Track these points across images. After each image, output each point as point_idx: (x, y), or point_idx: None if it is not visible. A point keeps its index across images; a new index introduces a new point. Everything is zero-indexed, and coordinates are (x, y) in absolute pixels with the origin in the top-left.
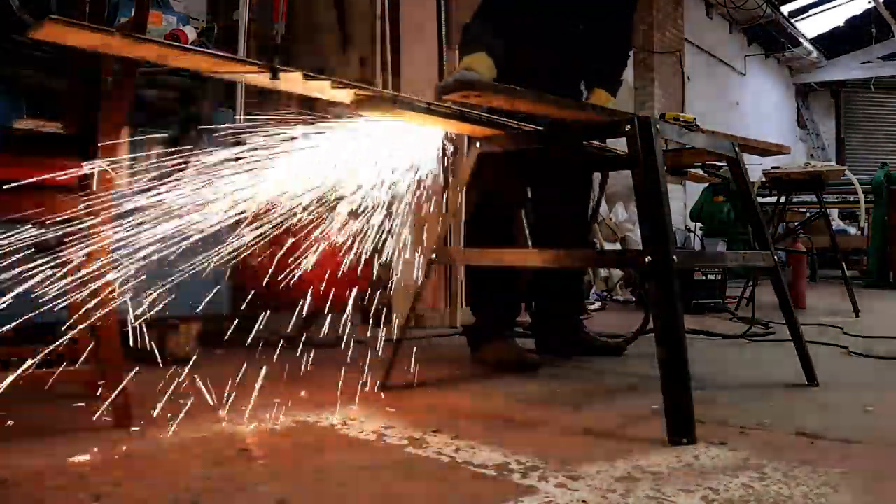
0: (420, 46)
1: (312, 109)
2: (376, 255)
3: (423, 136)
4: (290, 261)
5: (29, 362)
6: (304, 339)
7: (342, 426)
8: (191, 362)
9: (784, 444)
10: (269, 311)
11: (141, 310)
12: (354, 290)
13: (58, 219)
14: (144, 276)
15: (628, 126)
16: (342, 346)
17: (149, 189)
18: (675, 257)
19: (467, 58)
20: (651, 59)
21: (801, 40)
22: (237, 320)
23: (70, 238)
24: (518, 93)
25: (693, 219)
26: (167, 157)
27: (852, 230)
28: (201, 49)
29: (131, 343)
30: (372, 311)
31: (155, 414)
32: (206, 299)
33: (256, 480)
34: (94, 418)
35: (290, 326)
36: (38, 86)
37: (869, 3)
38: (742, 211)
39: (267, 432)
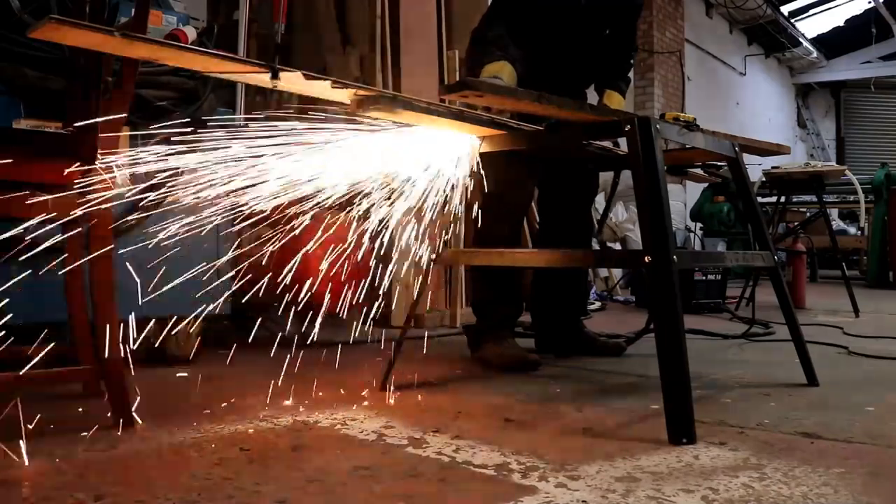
0: (420, 46)
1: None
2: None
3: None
4: (290, 261)
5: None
6: (303, 339)
7: (342, 426)
8: (191, 362)
9: (784, 444)
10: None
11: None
12: (355, 291)
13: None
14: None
15: (628, 126)
16: (342, 347)
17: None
18: (675, 257)
19: (490, 65)
20: (651, 59)
21: (801, 40)
22: (238, 320)
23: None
24: (518, 93)
25: (693, 219)
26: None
27: (852, 230)
28: (201, 49)
29: (132, 342)
30: (372, 312)
31: (155, 414)
32: (208, 299)
33: (256, 480)
34: (95, 418)
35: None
36: (38, 86)
37: (869, 3)
38: (742, 211)
39: (267, 432)
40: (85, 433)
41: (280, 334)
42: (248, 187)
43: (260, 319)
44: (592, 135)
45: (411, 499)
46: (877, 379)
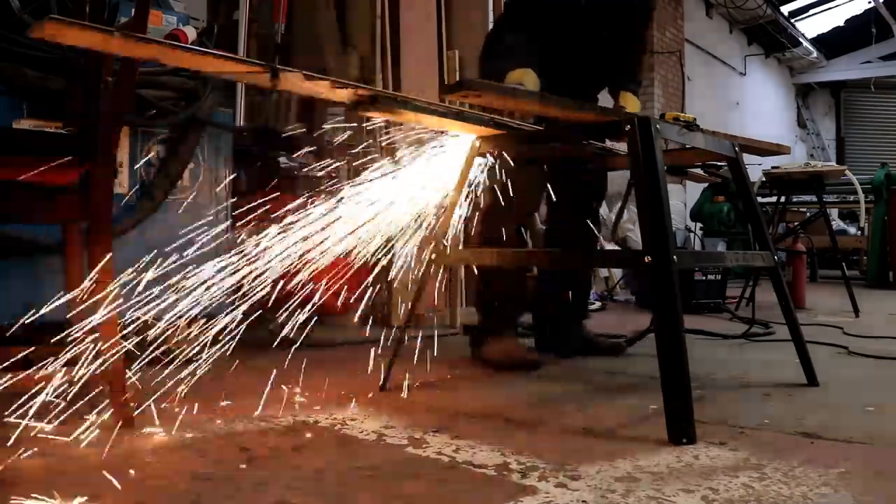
0: (420, 46)
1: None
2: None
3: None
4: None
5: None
6: (304, 339)
7: (342, 426)
8: (191, 362)
9: (784, 444)
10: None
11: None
12: (355, 291)
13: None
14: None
15: (628, 126)
16: (342, 347)
17: None
18: (675, 257)
19: (514, 73)
20: (651, 59)
21: (801, 40)
22: (238, 320)
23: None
24: (518, 93)
25: (693, 219)
26: None
27: (852, 230)
28: (201, 49)
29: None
30: (372, 312)
31: (156, 414)
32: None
33: (256, 480)
34: (95, 418)
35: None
36: (39, 86)
37: (869, 3)
38: (742, 211)
39: (267, 432)
40: (85, 433)
41: (280, 334)
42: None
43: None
44: (592, 135)
45: (411, 499)
46: (877, 379)
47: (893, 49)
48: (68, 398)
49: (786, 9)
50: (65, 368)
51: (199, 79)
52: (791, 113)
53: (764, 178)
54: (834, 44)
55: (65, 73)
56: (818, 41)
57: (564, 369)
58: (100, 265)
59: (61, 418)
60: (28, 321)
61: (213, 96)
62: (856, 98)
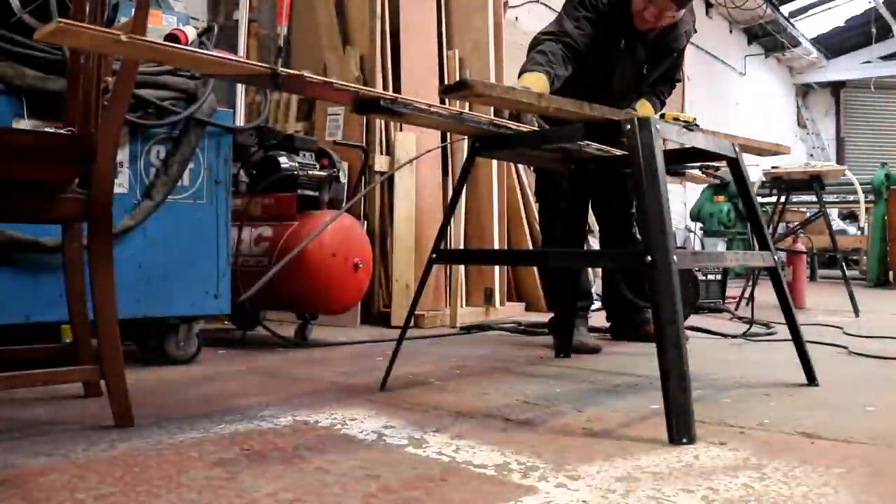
0: (420, 46)
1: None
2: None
3: None
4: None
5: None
6: (304, 339)
7: (342, 426)
8: (191, 362)
9: (784, 444)
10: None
11: (142, 309)
12: (355, 291)
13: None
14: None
15: (628, 126)
16: (342, 347)
17: None
18: (675, 257)
19: (527, 75)
20: None
21: (801, 40)
22: (238, 320)
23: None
24: (516, 93)
25: (693, 219)
26: None
27: (852, 230)
28: (204, 52)
29: (132, 342)
30: (372, 312)
31: (155, 414)
32: (208, 299)
33: (257, 480)
34: (95, 418)
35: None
36: (38, 86)
37: (869, 3)
38: (742, 211)
39: (267, 432)
40: (85, 433)
41: (280, 334)
42: None
43: (260, 319)
44: (592, 135)
45: (411, 499)
46: (877, 379)
47: (893, 49)
48: (68, 398)
49: (786, 9)
50: (64, 368)
51: (199, 79)
52: (791, 113)
53: (764, 178)
54: (834, 44)
55: (65, 73)
56: (818, 41)
57: (564, 369)
58: (100, 265)
59: (61, 419)
60: (28, 321)
61: (213, 96)
62: (856, 98)
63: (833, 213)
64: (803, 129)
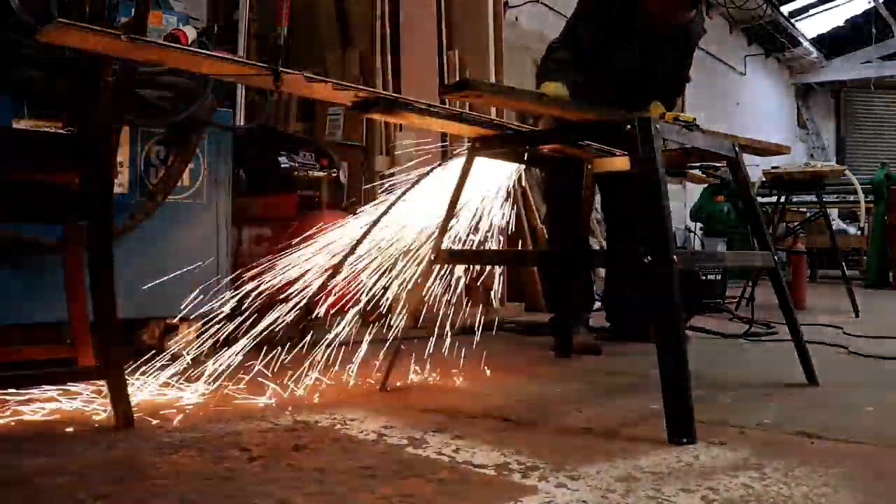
0: (420, 46)
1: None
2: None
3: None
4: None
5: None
6: (304, 339)
7: (342, 426)
8: (192, 362)
9: (784, 444)
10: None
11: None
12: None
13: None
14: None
15: (628, 126)
16: (342, 347)
17: None
18: (675, 257)
19: (548, 84)
20: None
21: (801, 40)
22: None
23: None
24: (516, 93)
25: (693, 219)
26: None
27: (852, 230)
28: (206, 52)
29: (133, 342)
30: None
31: (156, 414)
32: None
33: (256, 480)
34: (95, 418)
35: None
36: (39, 85)
37: (869, 3)
38: (742, 211)
39: (267, 432)
40: (85, 433)
41: (280, 335)
42: None
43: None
44: (593, 135)
45: (411, 499)
46: (877, 379)
47: (893, 49)
48: (68, 398)
49: (786, 9)
50: (65, 368)
51: (199, 79)
52: (791, 113)
53: (764, 178)
54: (834, 44)
55: (65, 73)
56: (818, 41)
57: (564, 369)
58: (100, 265)
59: (61, 418)
60: (28, 321)
61: (212, 96)
62: (856, 98)
63: (833, 213)
64: (803, 129)
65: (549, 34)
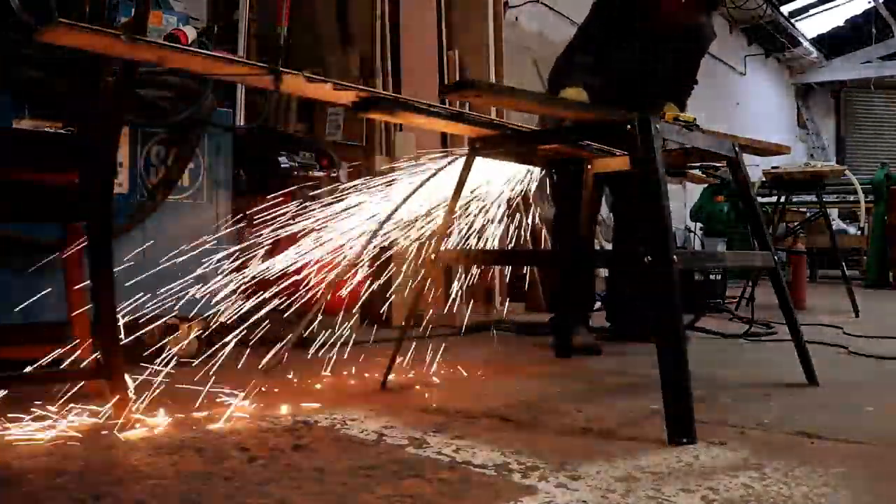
0: (420, 46)
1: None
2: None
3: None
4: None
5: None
6: (304, 339)
7: (342, 426)
8: (193, 362)
9: (784, 444)
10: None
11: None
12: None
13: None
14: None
15: (628, 126)
16: (342, 347)
17: None
18: (675, 257)
19: (570, 89)
20: None
21: (801, 40)
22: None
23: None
24: (517, 93)
25: (693, 219)
26: None
27: (852, 230)
28: (206, 52)
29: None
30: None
31: (156, 413)
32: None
33: (256, 480)
34: (95, 418)
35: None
36: (39, 85)
37: (869, 3)
38: (742, 211)
39: (267, 432)
40: (86, 433)
41: (281, 335)
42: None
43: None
44: (593, 135)
45: (411, 499)
46: (877, 379)
47: (893, 49)
48: (68, 399)
49: (786, 9)
50: (65, 368)
51: (199, 79)
52: (791, 113)
53: (764, 178)
54: (834, 44)
55: (66, 73)
56: (818, 41)
57: (564, 369)
58: (100, 265)
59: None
60: (28, 321)
61: (212, 96)
62: (856, 98)
63: (833, 213)
64: (803, 129)
65: (549, 34)
